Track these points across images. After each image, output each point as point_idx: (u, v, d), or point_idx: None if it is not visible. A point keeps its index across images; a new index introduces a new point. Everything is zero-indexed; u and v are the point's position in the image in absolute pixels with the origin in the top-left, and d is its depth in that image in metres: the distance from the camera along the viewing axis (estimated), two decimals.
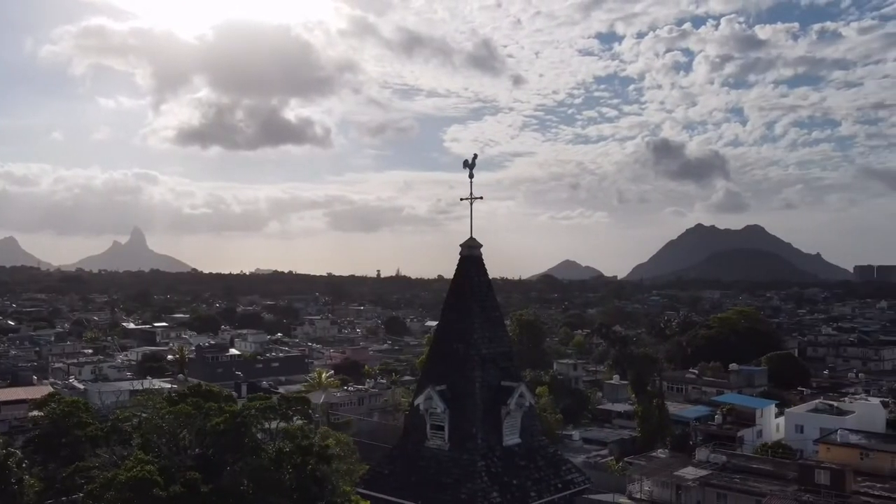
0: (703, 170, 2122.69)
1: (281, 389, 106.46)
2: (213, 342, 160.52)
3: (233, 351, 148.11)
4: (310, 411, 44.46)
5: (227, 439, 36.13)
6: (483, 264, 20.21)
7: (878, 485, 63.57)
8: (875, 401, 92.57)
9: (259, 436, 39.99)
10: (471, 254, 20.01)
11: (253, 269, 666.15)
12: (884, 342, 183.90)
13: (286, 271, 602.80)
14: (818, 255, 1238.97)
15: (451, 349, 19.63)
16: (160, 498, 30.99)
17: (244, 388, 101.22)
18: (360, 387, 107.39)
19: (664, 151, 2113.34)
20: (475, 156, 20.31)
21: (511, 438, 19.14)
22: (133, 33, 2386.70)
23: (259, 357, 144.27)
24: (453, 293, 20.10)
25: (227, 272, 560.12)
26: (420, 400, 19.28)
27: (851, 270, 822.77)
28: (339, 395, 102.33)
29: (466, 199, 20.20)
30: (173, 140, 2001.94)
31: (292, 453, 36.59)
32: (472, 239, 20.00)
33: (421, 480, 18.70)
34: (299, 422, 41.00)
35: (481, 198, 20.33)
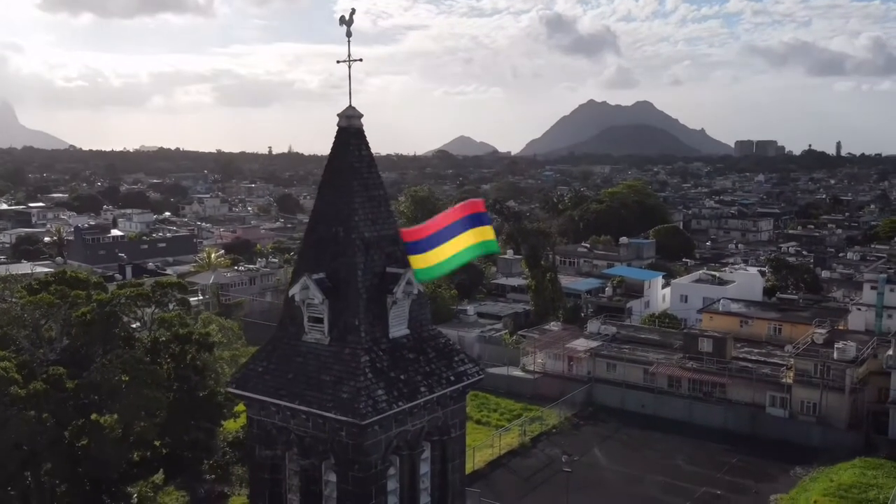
0: (595, 45, 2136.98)
1: (169, 271, 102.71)
2: (94, 223, 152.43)
3: (115, 232, 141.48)
4: (188, 298, 41.79)
5: (95, 330, 33.43)
6: (364, 136, 17.79)
7: (756, 350, 66.78)
8: (753, 270, 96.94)
9: (134, 325, 37.41)
10: (350, 125, 17.51)
11: (137, 146, 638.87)
12: (761, 214, 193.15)
13: (173, 148, 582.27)
14: (702, 130, 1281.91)
15: (329, 233, 17.46)
16: (18, 396, 28.32)
17: (129, 271, 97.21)
18: (251, 266, 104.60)
19: (557, 26, 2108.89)
20: (353, 10, 17.54)
21: (398, 329, 17.43)
22: None
23: (145, 237, 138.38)
24: (330, 170, 17.73)
25: (108, 149, 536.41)
26: (296, 290, 17.13)
27: (732, 145, 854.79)
28: (229, 275, 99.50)
29: (344, 61, 17.62)
30: (39, 6, 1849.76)
31: (169, 342, 34.33)
32: (350, 108, 17.43)
33: (298, 378, 16.90)
34: (176, 309, 38.39)
35: (360, 60, 17.76)
